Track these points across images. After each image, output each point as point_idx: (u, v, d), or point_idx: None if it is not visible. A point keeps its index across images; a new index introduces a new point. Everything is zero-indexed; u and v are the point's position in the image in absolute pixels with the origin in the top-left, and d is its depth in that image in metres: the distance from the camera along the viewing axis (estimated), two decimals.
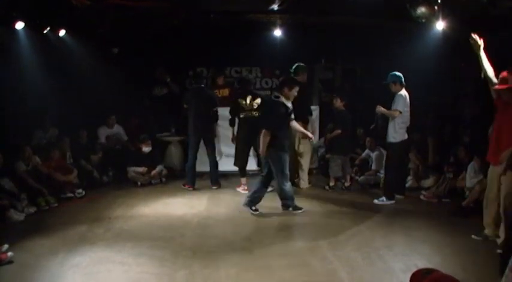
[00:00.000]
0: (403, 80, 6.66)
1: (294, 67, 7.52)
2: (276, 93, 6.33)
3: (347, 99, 7.79)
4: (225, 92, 8.56)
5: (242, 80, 7.96)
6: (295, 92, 6.20)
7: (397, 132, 6.66)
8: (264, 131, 6.10)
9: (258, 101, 7.49)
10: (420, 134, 8.14)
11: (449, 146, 7.62)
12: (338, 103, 7.65)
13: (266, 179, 6.37)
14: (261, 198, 6.39)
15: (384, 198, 6.85)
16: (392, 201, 6.82)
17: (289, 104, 6.20)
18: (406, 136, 6.77)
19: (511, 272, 3.19)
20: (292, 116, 6.34)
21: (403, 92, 6.65)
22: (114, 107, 8.98)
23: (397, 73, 6.68)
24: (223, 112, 7.83)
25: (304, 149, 7.72)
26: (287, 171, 6.27)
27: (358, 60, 10.17)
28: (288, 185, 6.33)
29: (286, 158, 6.24)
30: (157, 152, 8.56)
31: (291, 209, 6.38)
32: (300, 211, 6.37)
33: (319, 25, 8.71)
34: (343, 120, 7.64)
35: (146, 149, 8.25)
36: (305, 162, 7.79)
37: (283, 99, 6.15)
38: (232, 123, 7.65)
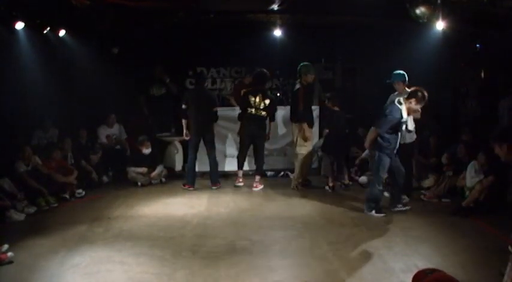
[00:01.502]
0: (407, 79, 6.62)
1: (298, 69, 7.41)
2: (401, 100, 6.07)
3: (339, 101, 7.74)
4: None
5: (259, 78, 7.73)
6: (419, 107, 6.04)
7: (411, 132, 6.61)
8: (372, 127, 6.21)
9: (267, 102, 7.52)
10: (422, 134, 8.11)
11: (448, 146, 7.61)
12: (330, 105, 7.71)
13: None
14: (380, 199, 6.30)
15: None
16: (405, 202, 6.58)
17: (405, 115, 6.04)
18: (415, 135, 6.75)
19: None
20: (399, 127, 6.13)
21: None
22: (114, 107, 8.96)
23: (402, 72, 6.62)
24: (227, 112, 7.86)
25: (300, 151, 7.69)
26: (383, 175, 6.19)
27: (358, 60, 10.17)
28: (378, 189, 6.18)
29: (386, 162, 6.08)
30: (157, 152, 8.55)
31: (373, 211, 6.17)
32: (381, 215, 6.15)
33: (319, 25, 8.71)
34: (332, 120, 7.65)
35: (146, 151, 8.25)
36: (298, 165, 7.75)
37: (403, 107, 6.00)
38: (240, 118, 7.75)
